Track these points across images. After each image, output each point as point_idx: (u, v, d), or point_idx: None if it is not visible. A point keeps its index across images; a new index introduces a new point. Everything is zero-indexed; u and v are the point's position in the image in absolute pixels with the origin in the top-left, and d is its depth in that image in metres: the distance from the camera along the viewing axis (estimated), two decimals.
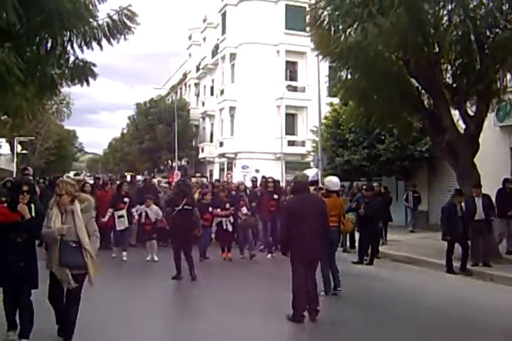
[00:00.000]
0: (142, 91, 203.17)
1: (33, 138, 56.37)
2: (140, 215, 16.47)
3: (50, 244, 7.52)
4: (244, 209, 17.22)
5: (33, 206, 7.57)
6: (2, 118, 21.28)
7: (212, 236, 17.02)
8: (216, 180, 21.26)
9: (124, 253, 15.96)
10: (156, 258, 15.88)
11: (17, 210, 7.35)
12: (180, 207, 13.40)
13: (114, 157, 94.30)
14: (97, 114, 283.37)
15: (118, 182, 19.00)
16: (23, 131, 44.25)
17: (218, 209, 16.70)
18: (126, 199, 16.63)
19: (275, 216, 17.48)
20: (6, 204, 7.56)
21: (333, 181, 11.95)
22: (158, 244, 17.37)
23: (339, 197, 12.07)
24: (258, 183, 20.75)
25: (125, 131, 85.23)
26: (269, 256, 17.26)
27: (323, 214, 9.72)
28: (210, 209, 16.57)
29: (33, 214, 7.49)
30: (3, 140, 48.04)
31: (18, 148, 56.35)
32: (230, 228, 16.93)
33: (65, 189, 7.37)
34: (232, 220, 17.03)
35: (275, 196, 17.97)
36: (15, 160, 55.66)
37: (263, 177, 20.81)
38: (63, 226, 7.20)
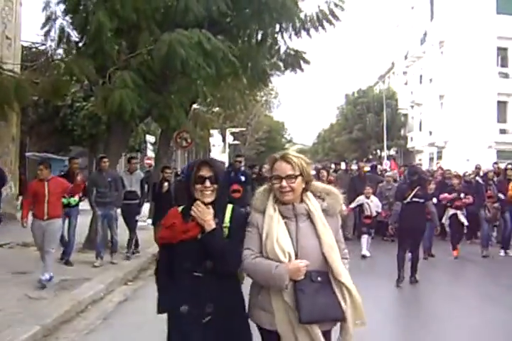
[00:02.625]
0: (350, 81, 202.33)
1: (243, 129, 57.46)
2: (360, 206, 15.44)
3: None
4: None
5: (229, 208, 4.21)
6: (215, 109, 22.23)
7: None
8: (446, 170, 19.51)
9: None
10: (367, 254, 14.64)
11: (192, 217, 4.03)
12: (408, 200, 11.48)
13: (323, 147, 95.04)
14: (305, 106, 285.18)
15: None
16: (235, 122, 46.00)
17: (446, 194, 15.31)
18: None
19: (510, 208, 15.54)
20: (180, 209, 4.24)
21: None
22: (384, 239, 16.97)
23: None
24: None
25: (334, 122, 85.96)
26: (503, 253, 15.34)
27: None
28: (435, 200, 14.36)
29: (227, 221, 4.12)
30: (216, 131, 49.92)
31: (230, 139, 58.04)
32: (465, 221, 15.35)
33: (299, 165, 3.95)
34: (465, 213, 15.39)
35: None
36: (227, 150, 57.53)
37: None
38: (300, 263, 3.74)
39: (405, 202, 11.46)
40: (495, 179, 16.59)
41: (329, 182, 15.34)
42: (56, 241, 10.52)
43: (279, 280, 3.71)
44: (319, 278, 3.80)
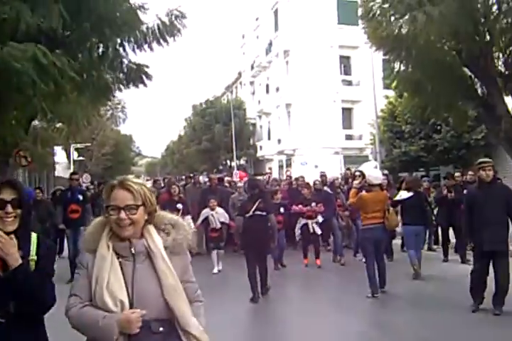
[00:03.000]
0: (197, 92, 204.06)
1: (89, 144, 56.11)
2: (205, 220, 14.80)
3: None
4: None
5: (33, 238, 3.58)
6: (57, 125, 21.29)
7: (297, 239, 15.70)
8: (299, 177, 19.32)
9: None
10: (217, 269, 14.36)
11: None
12: (250, 213, 11.22)
13: (173, 159, 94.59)
14: (153, 118, 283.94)
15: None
16: (79, 137, 44.52)
17: (300, 206, 14.99)
18: (179, 206, 14.37)
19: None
20: None
21: (374, 174, 11.57)
22: (235, 250, 16.25)
23: (383, 191, 11.46)
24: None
25: (182, 133, 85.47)
26: (360, 257, 14.29)
27: None
28: (282, 209, 14.55)
29: (33, 253, 3.49)
30: (59, 148, 47.73)
31: (75, 155, 56.32)
32: (319, 231, 15.04)
33: (141, 194, 3.29)
34: (320, 221, 15.13)
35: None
36: (71, 167, 55.25)
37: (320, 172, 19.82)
38: (133, 313, 3.06)
39: (248, 215, 11.21)
40: (345, 186, 16.89)
41: (179, 198, 15.04)
42: None
43: (106, 334, 3.02)
44: (161, 329, 3.15)
